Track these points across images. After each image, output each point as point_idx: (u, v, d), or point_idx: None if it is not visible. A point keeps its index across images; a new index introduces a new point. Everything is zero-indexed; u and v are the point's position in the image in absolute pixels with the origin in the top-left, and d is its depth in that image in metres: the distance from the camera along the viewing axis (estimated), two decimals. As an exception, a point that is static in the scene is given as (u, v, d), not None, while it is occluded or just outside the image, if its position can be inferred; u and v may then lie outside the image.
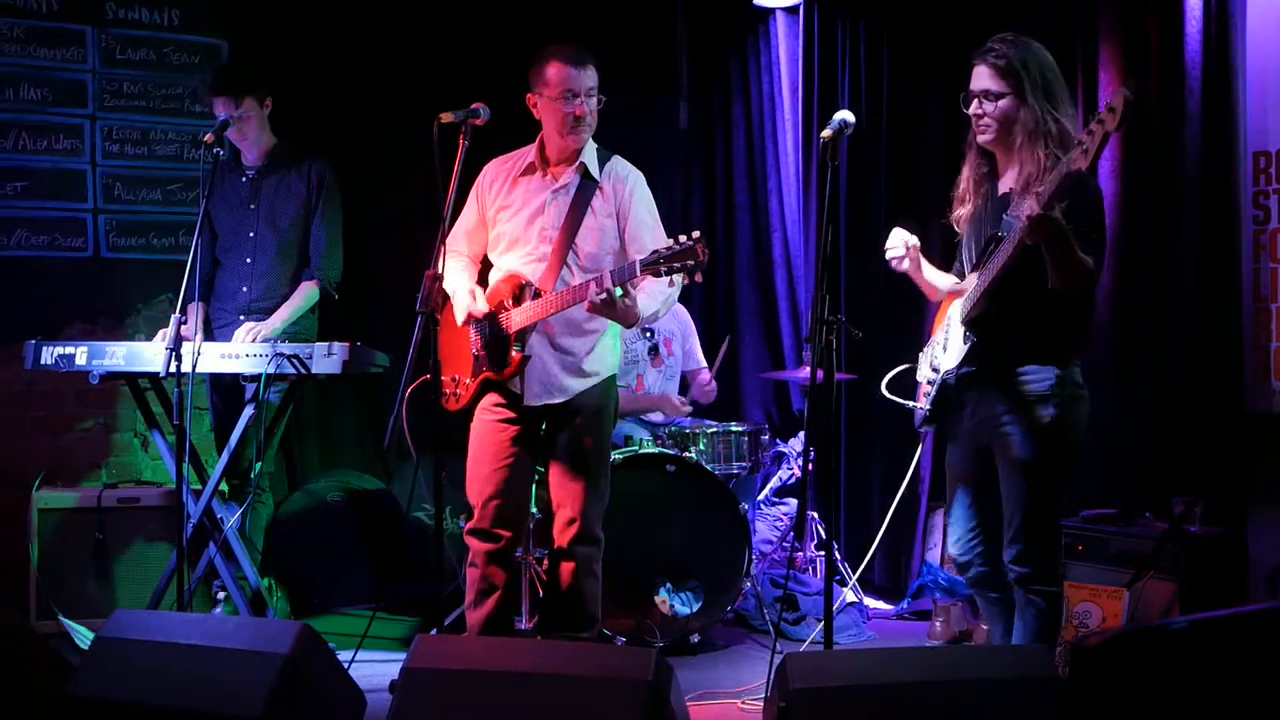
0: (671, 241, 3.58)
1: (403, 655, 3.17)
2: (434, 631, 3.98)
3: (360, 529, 5.67)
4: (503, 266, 4.16)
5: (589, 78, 4.00)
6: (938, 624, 5.09)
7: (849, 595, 5.33)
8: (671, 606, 4.84)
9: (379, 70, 6.26)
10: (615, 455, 4.79)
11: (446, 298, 4.03)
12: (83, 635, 4.70)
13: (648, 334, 5.64)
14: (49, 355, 4.68)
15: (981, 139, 3.62)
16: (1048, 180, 3.27)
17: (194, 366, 4.27)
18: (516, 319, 4.00)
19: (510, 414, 4.07)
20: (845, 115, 3.52)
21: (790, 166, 6.45)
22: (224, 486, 4.80)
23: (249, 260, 4.98)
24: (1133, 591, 4.53)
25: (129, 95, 5.83)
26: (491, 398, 4.10)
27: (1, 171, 5.61)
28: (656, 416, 5.68)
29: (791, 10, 6.41)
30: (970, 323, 3.60)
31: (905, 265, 3.78)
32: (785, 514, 5.93)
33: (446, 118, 3.78)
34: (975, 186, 3.74)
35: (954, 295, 3.78)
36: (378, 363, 4.73)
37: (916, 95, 5.82)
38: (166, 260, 5.82)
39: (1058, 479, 3.58)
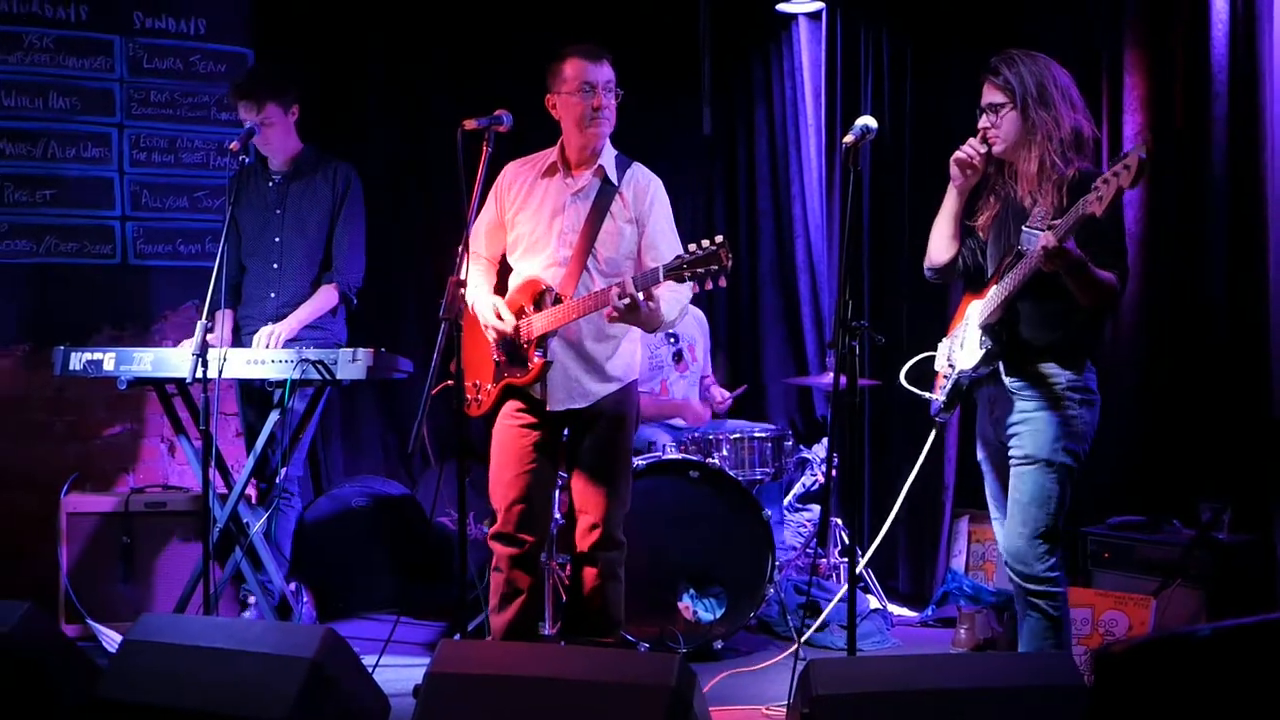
0: (695, 246, 3.58)
1: (427, 660, 3.18)
2: (458, 636, 3.98)
3: (385, 534, 5.69)
4: (522, 272, 4.16)
5: (605, 72, 4.02)
6: (962, 631, 5.07)
7: (873, 602, 5.32)
8: (695, 612, 4.84)
9: (404, 76, 6.29)
10: (638, 461, 4.80)
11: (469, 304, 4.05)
12: (110, 638, 4.73)
13: (672, 339, 5.64)
14: (77, 361, 4.72)
15: (995, 150, 3.72)
16: (1066, 215, 3.40)
17: (220, 372, 4.30)
18: (537, 324, 4.01)
19: (532, 419, 4.08)
20: (868, 121, 3.62)
21: (813, 172, 6.45)
22: (250, 491, 4.83)
23: (275, 266, 5.01)
24: (1160, 599, 4.50)
25: (156, 104, 5.88)
26: (513, 403, 4.11)
27: (31, 179, 5.66)
28: (680, 421, 5.68)
29: (814, 16, 6.41)
30: (987, 328, 3.69)
31: (967, 172, 3.77)
32: (809, 520, 5.92)
33: (470, 125, 3.80)
34: (994, 194, 3.81)
35: (972, 296, 3.86)
36: (402, 368, 4.75)
37: (939, 101, 5.80)
38: (193, 267, 5.86)
39: (1060, 481, 3.62)
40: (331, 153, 5.15)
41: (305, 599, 5.08)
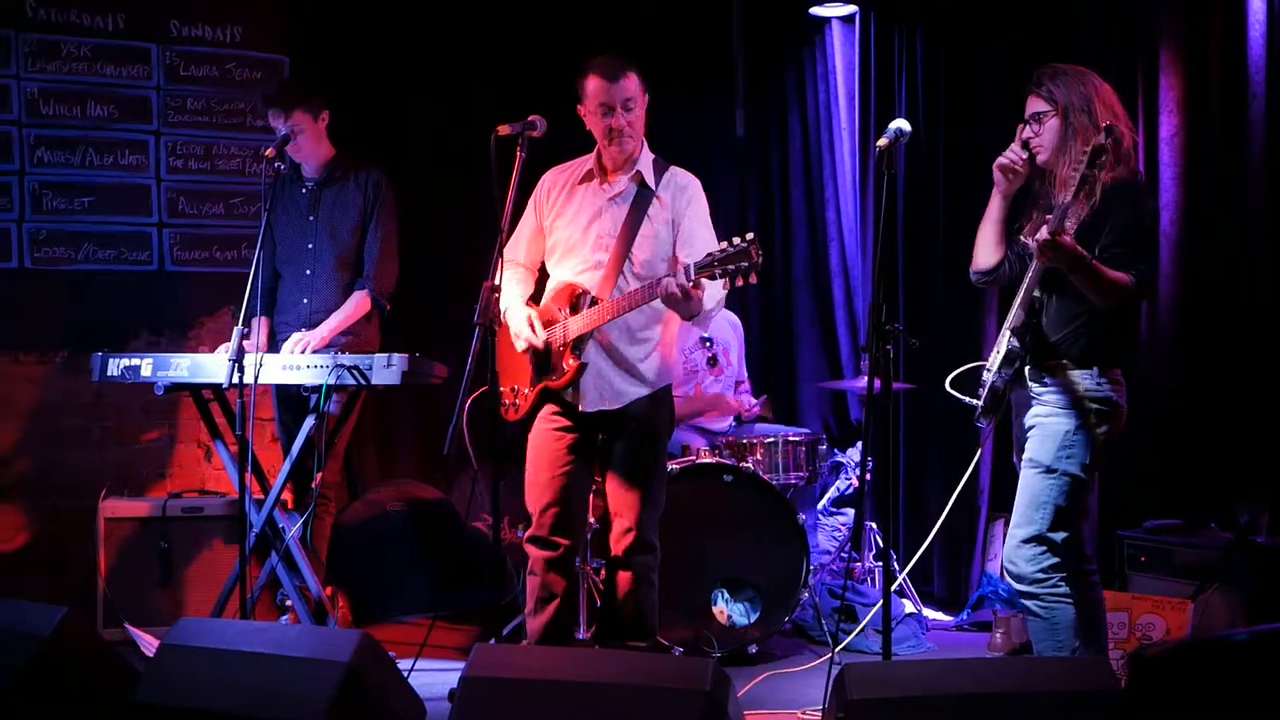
0: (725, 244, 3.59)
1: (462, 664, 3.18)
2: (493, 641, 3.99)
3: (420, 538, 5.71)
4: (558, 276, 4.18)
5: (623, 90, 3.99)
6: (998, 635, 5.05)
7: (908, 606, 5.30)
8: (729, 617, 4.83)
9: (439, 82, 6.31)
10: (672, 466, 4.80)
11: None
12: (148, 643, 4.76)
13: (707, 343, 5.64)
14: (115, 367, 4.76)
15: (1039, 160, 3.75)
16: (1056, 209, 3.49)
17: (256, 378, 4.32)
18: (573, 327, 4.02)
19: (567, 422, 4.09)
20: (901, 124, 3.65)
21: (847, 175, 6.43)
22: (285, 496, 4.85)
23: (308, 272, 5.03)
24: (1198, 603, 4.47)
25: (192, 111, 5.92)
26: (550, 407, 4.12)
27: (69, 187, 5.71)
28: (714, 424, 5.67)
29: (847, 19, 6.40)
30: (1014, 330, 3.74)
31: (1009, 176, 3.79)
32: (843, 524, 5.91)
33: (504, 130, 3.82)
34: (1037, 207, 3.82)
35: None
36: (436, 373, 4.76)
37: (974, 103, 5.78)
38: (229, 273, 5.89)
39: (1063, 490, 3.63)
40: (366, 157, 5.17)
41: (341, 603, 5.10)
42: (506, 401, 4.20)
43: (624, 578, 4.12)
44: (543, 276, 4.33)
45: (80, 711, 3.31)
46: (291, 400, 4.97)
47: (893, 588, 3.76)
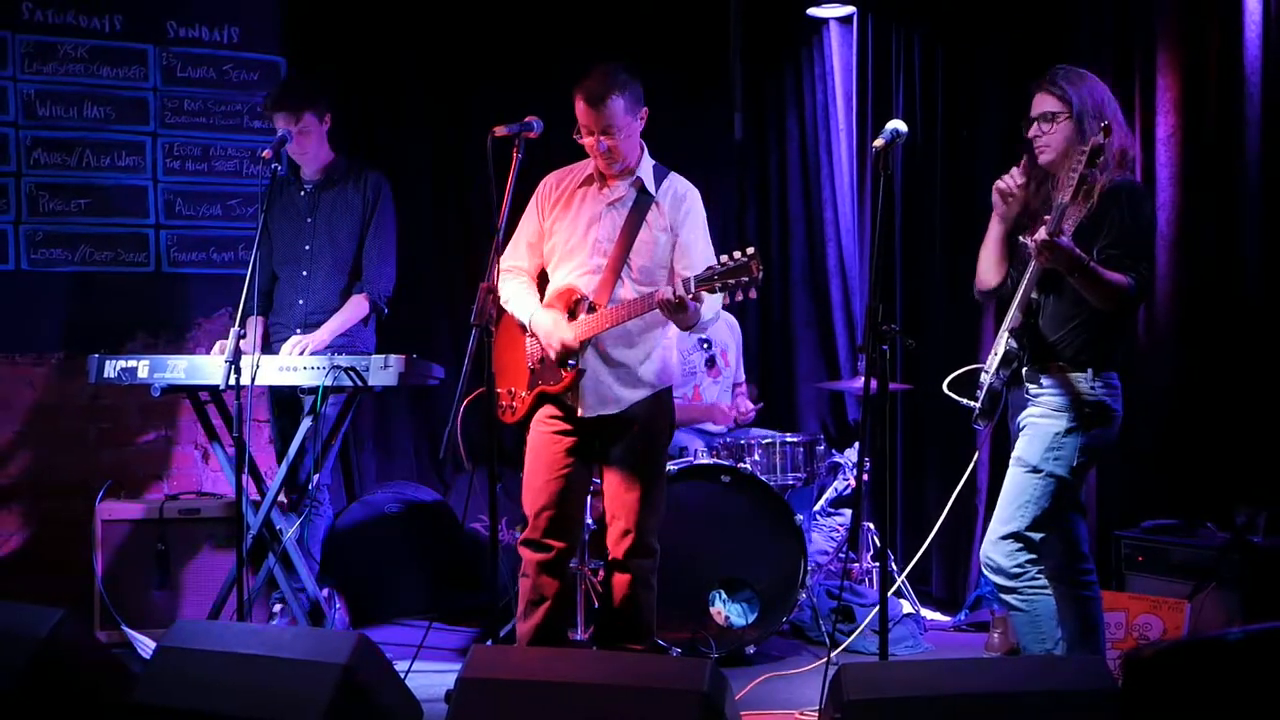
0: (726, 257, 3.61)
1: (459, 665, 3.18)
2: (490, 642, 3.99)
3: (417, 540, 5.70)
4: (557, 281, 4.17)
5: (603, 117, 3.93)
6: (995, 635, 5.05)
7: (906, 606, 5.30)
8: (727, 617, 4.83)
9: (437, 84, 6.31)
10: (670, 466, 4.79)
11: (501, 310, 4.05)
12: (145, 645, 4.76)
13: (705, 345, 5.64)
14: (112, 369, 4.75)
15: (1042, 160, 3.74)
16: (1054, 209, 3.50)
17: (253, 379, 4.32)
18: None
19: (565, 425, 4.09)
20: (898, 125, 3.65)
21: (844, 176, 6.43)
22: (283, 498, 4.85)
23: (305, 273, 5.02)
24: (1194, 603, 4.48)
25: (190, 112, 5.92)
26: (547, 409, 4.12)
27: (66, 188, 5.71)
28: (711, 426, 5.67)
29: (845, 21, 6.41)
30: (1011, 331, 3.75)
31: (1008, 200, 3.79)
32: (841, 525, 5.91)
33: (500, 131, 3.82)
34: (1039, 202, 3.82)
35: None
36: (433, 375, 4.76)
37: (971, 104, 5.78)
38: (226, 274, 5.89)
39: (1046, 491, 3.65)
40: (363, 160, 5.17)
41: (338, 605, 5.10)
42: (504, 403, 4.20)
43: (622, 580, 4.12)
44: (543, 279, 4.33)
45: (77, 713, 3.30)
46: (287, 402, 4.97)
47: (890, 590, 3.76)
